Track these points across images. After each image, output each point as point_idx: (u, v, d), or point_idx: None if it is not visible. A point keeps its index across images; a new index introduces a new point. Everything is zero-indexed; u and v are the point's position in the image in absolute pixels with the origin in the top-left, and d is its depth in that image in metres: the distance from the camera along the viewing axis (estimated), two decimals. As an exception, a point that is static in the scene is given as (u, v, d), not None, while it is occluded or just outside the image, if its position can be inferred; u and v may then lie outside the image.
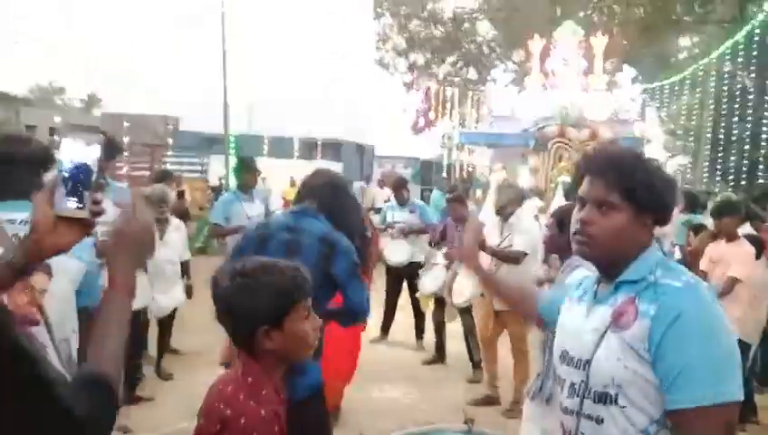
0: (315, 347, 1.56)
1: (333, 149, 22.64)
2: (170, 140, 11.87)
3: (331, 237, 2.58)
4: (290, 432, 1.80)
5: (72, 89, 53.78)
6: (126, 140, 12.13)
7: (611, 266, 1.51)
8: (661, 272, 1.45)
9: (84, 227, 1.15)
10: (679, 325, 1.35)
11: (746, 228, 5.00)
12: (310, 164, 14.54)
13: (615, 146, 1.97)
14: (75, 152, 1.12)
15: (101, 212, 1.14)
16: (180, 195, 8.77)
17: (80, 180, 1.12)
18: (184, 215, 6.86)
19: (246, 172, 5.64)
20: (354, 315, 2.70)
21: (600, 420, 1.44)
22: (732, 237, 4.21)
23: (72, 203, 1.11)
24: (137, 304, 4.31)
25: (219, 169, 13.81)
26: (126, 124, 9.85)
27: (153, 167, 12.23)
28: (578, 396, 1.49)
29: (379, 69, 30.33)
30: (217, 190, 14.61)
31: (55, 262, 1.96)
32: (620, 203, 1.46)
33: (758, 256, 4.62)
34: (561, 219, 2.71)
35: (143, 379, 4.88)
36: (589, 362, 1.46)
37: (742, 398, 1.37)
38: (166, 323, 5.21)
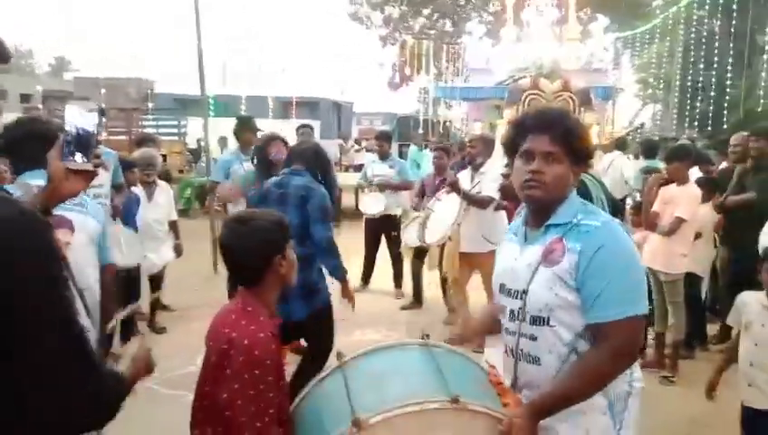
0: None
1: (310, 107, 22.55)
2: (150, 104, 11.86)
3: (308, 186, 3.42)
4: (311, 333, 3.26)
5: (39, 52, 52.34)
6: (102, 105, 12.14)
7: (546, 209, 1.81)
8: (582, 215, 1.77)
9: (89, 175, 1.49)
10: (600, 256, 1.68)
11: (695, 172, 5.37)
12: (286, 123, 14.58)
13: (552, 107, 2.26)
14: (78, 118, 1.44)
15: (101, 164, 1.47)
16: (163, 158, 8.92)
17: (83, 140, 1.44)
18: (167, 177, 7.05)
19: (246, 132, 5.69)
20: (316, 241, 3.35)
21: (534, 338, 1.78)
22: (682, 181, 4.54)
23: (78, 157, 1.44)
24: (130, 261, 4.59)
25: (197, 131, 13.84)
26: (102, 90, 9.85)
27: (130, 131, 12.23)
28: (517, 320, 1.82)
29: (355, 23, 29.98)
30: (196, 153, 14.63)
31: (76, 220, 2.27)
32: (562, 154, 1.76)
33: (708, 198, 4.98)
34: None
35: (138, 333, 5.18)
36: (525, 291, 1.78)
37: (647, 312, 1.71)
38: (156, 280, 5.48)
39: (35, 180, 2.32)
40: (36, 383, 1.06)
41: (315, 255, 3.38)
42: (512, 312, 1.84)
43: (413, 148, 12.25)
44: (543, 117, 1.83)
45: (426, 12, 29.47)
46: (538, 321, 1.76)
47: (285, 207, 3.21)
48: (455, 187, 4.91)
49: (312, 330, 3.40)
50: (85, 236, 2.40)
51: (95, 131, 1.47)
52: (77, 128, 1.44)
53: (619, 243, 1.73)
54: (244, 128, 5.73)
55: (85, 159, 1.46)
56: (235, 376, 1.63)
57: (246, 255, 1.79)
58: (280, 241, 1.85)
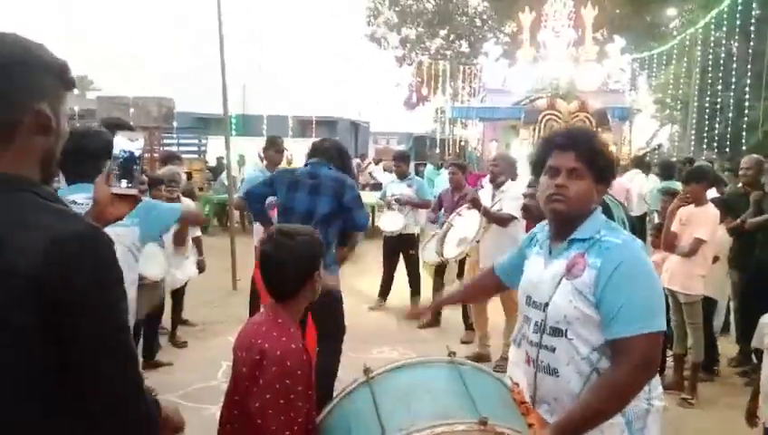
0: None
1: (328, 126, 22.79)
2: (175, 123, 12.06)
3: (340, 178, 3.76)
4: (326, 314, 3.34)
5: (62, 72, 53.12)
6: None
7: (570, 224, 1.87)
8: (605, 231, 1.83)
9: (134, 200, 1.54)
10: (619, 273, 1.73)
11: (713, 193, 5.37)
12: (305, 142, 14.77)
13: (579, 126, 2.34)
14: (125, 144, 1.50)
15: (146, 190, 1.53)
16: (188, 176, 9.09)
17: (129, 166, 1.50)
18: (191, 195, 7.18)
19: (274, 151, 5.94)
20: (360, 227, 3.91)
21: (552, 350, 1.83)
22: (700, 202, 4.55)
23: (123, 183, 1.49)
24: (158, 275, 4.70)
25: (218, 149, 14.05)
26: (131, 109, 10.05)
27: (153, 149, 12.43)
28: (539, 331, 1.87)
29: (371, 44, 30.29)
30: (215, 171, 14.82)
31: (110, 232, 2.35)
32: (585, 171, 1.83)
33: (721, 220, 4.98)
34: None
35: (159, 348, 5.26)
36: (547, 304, 1.84)
37: (665, 329, 1.76)
38: (178, 295, 5.57)
39: (75, 194, 2.42)
40: (89, 407, 1.09)
41: (331, 242, 3.72)
42: (536, 324, 1.89)
43: (429, 167, 12.32)
44: (570, 135, 1.91)
45: (442, 33, 29.71)
46: (557, 332, 1.81)
47: (318, 196, 3.64)
48: (476, 203, 4.97)
49: (327, 311, 3.50)
50: (121, 248, 2.47)
51: (141, 157, 1.52)
52: (123, 153, 1.49)
53: (639, 261, 1.78)
54: (270, 147, 5.96)
55: (130, 184, 1.49)
56: (268, 386, 1.69)
57: (290, 268, 1.86)
58: (319, 257, 1.93)
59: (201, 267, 5.58)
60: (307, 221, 3.48)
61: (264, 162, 6.05)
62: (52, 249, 1.03)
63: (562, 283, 1.81)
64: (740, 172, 5.60)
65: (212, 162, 15.35)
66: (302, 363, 1.72)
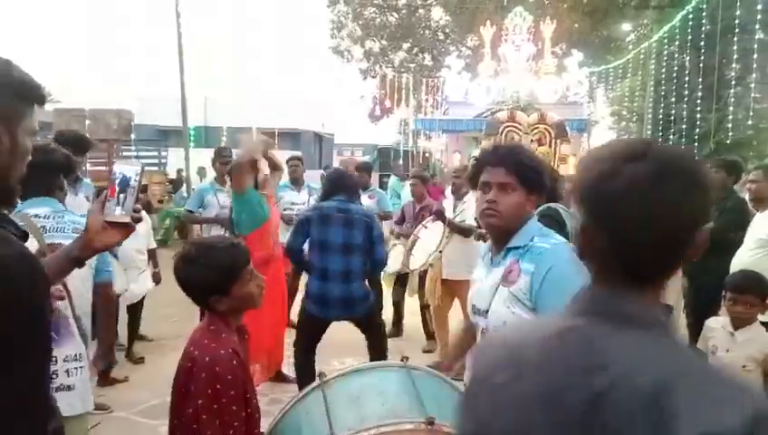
0: (262, 298, 1.95)
1: (292, 138, 22.72)
2: (133, 135, 11.85)
3: (369, 214, 4.29)
4: (371, 326, 4.25)
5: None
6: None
7: (506, 234, 1.94)
8: (537, 238, 1.91)
9: (127, 229, 1.49)
10: (550, 276, 1.80)
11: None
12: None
13: (507, 143, 2.44)
14: (123, 170, 1.48)
15: (140, 219, 1.49)
16: (144, 188, 8.91)
17: (124, 193, 1.47)
18: (147, 207, 7.05)
19: (219, 163, 5.82)
20: (381, 265, 4.39)
21: None
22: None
23: (118, 210, 1.45)
24: (118, 289, 4.62)
25: (178, 161, 13.85)
26: (88, 121, 9.84)
27: (111, 161, 12.20)
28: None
29: (335, 57, 30.40)
30: (176, 183, 14.61)
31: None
32: (516, 185, 1.91)
33: None
34: None
35: (115, 364, 5.12)
36: (487, 310, 1.90)
37: None
38: (135, 310, 5.44)
39: (37, 208, 2.37)
40: None
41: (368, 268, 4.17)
42: (482, 330, 1.96)
43: (393, 178, 12.37)
44: (498, 152, 2.00)
45: (405, 46, 30.03)
46: None
47: (352, 229, 4.01)
48: (440, 215, 5.03)
49: (370, 323, 4.32)
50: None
51: (138, 186, 1.48)
52: (119, 181, 1.46)
53: (567, 263, 1.82)
54: (217, 158, 5.88)
55: (123, 212, 1.46)
56: (198, 392, 1.70)
57: (194, 281, 1.88)
58: (234, 265, 1.88)
59: (157, 280, 5.47)
60: (346, 253, 3.96)
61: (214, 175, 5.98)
62: None
63: (499, 290, 1.87)
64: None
65: (172, 174, 15.14)
66: (231, 368, 1.72)
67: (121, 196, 1.46)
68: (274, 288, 4.36)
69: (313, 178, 7.85)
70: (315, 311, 4.06)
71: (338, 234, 3.99)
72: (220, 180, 5.82)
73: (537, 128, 11.98)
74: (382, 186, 12.62)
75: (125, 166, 1.49)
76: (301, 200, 6.31)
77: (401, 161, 17.22)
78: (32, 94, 1.17)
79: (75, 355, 2.43)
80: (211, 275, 1.83)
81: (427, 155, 20.26)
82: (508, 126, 12.14)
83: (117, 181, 1.46)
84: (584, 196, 0.94)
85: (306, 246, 4.15)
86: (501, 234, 1.94)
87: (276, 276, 4.54)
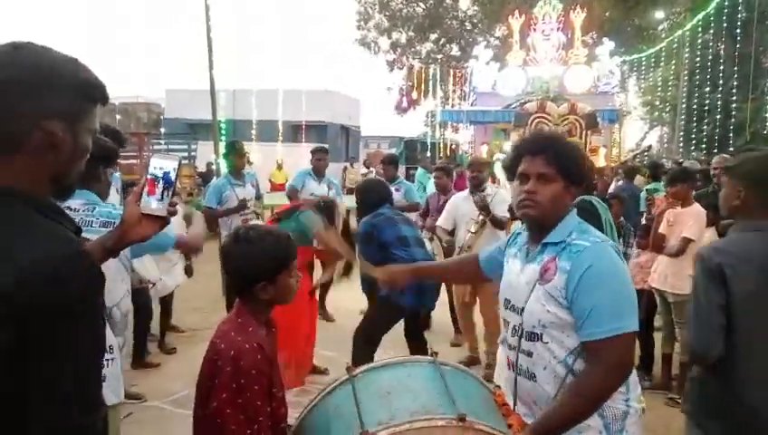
0: (295, 294, 1.94)
1: (318, 131, 22.79)
2: (162, 130, 12.02)
3: (410, 218, 4.89)
4: (408, 326, 4.65)
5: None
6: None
7: (543, 227, 1.88)
8: (576, 234, 1.83)
9: (162, 222, 1.49)
10: (588, 276, 1.74)
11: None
12: (296, 147, 14.75)
13: (548, 131, 2.37)
14: (160, 163, 1.47)
15: (176, 212, 1.50)
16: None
17: (161, 187, 1.46)
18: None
19: (235, 156, 5.89)
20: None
21: (530, 354, 1.85)
22: (686, 202, 4.57)
23: (155, 203, 1.46)
24: (151, 278, 4.68)
25: (207, 154, 14.00)
26: (118, 116, 10.01)
27: (141, 155, 12.40)
28: (517, 335, 1.88)
29: (362, 49, 30.37)
30: (206, 176, 14.79)
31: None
32: (556, 175, 1.83)
33: (712, 222, 4.99)
34: None
35: (149, 355, 5.22)
36: (523, 308, 1.85)
37: (637, 329, 1.76)
38: (167, 302, 5.53)
39: (71, 201, 2.39)
40: None
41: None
42: (513, 327, 1.90)
43: (420, 170, 12.34)
44: (536, 140, 1.93)
45: (433, 37, 29.84)
46: (533, 337, 1.83)
47: (411, 226, 4.49)
48: (485, 208, 4.95)
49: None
50: (115, 261, 2.44)
51: (175, 180, 1.47)
52: (156, 174, 1.46)
53: (608, 262, 1.77)
54: (233, 152, 5.89)
55: (161, 206, 1.46)
56: (223, 386, 1.69)
57: (247, 266, 1.83)
58: (284, 259, 1.86)
59: (189, 272, 5.55)
60: (420, 245, 4.36)
61: (252, 166, 6.01)
62: (23, 274, 0.98)
63: (536, 288, 1.82)
64: (711, 172, 5.65)
65: (202, 168, 15.31)
66: (256, 363, 1.71)
67: (158, 189, 1.46)
68: (301, 305, 4.48)
69: (337, 170, 7.81)
70: (408, 301, 4.15)
71: (408, 230, 4.33)
72: (236, 174, 5.86)
73: (567, 119, 11.78)
74: (409, 178, 12.57)
75: (163, 159, 1.48)
76: (321, 192, 6.34)
77: (428, 153, 17.14)
78: (95, 94, 1.18)
79: (107, 347, 2.47)
80: (266, 260, 1.83)
81: (454, 147, 20.14)
82: (537, 117, 11.97)
83: (155, 174, 1.46)
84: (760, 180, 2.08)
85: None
86: (537, 227, 1.88)
87: (302, 292, 4.57)
